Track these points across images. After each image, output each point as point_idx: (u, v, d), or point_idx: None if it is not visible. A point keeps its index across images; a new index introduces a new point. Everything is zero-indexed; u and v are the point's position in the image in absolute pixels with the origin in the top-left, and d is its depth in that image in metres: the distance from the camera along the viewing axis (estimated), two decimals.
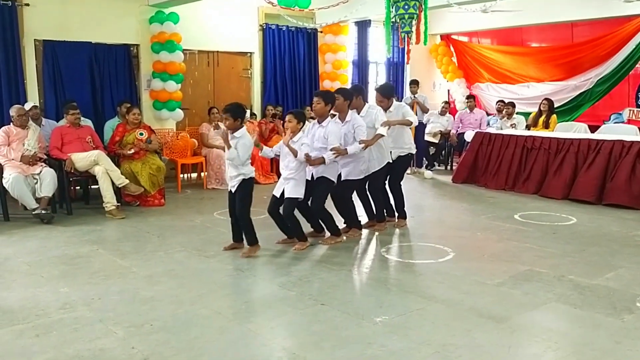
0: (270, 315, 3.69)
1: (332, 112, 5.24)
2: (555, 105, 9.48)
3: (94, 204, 6.87)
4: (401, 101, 7.75)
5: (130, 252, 5.02)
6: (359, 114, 5.44)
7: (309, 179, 5.12)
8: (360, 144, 5.13)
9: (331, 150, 4.98)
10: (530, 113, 9.63)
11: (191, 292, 4.04)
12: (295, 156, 4.85)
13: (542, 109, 9.12)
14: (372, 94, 5.91)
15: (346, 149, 5.09)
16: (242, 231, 4.89)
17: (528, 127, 9.24)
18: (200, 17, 8.85)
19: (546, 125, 8.98)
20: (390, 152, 5.74)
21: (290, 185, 4.94)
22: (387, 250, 5.14)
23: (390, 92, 5.91)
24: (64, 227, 5.92)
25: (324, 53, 10.42)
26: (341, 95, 5.25)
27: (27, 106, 7.06)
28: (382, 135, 5.36)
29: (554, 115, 9.12)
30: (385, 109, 5.73)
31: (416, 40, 6.38)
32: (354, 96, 5.41)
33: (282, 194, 5.00)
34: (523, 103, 10.64)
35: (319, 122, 5.17)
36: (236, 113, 4.73)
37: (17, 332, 3.35)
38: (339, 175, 5.32)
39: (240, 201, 4.77)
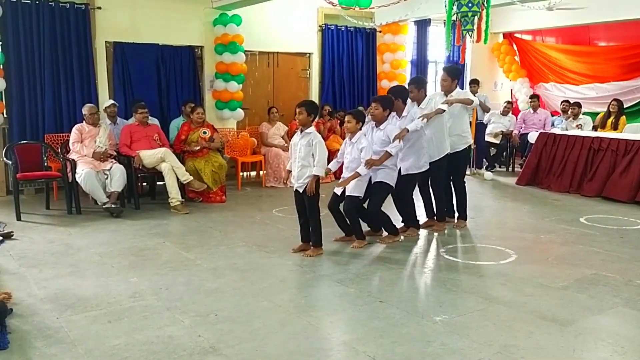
0: (329, 310, 3.74)
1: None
2: (625, 106, 9.10)
3: (160, 200, 7.14)
4: None
5: (195, 246, 5.20)
6: (419, 105, 5.49)
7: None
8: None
9: (365, 163, 4.90)
10: (597, 113, 9.28)
11: (253, 285, 4.15)
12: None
13: (611, 109, 8.78)
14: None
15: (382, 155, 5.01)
16: (311, 230, 4.92)
17: (595, 128, 8.92)
18: (262, 18, 9.01)
19: (615, 127, 8.65)
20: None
21: (352, 184, 4.98)
22: (446, 250, 5.10)
23: (456, 73, 5.84)
24: (132, 220, 6.18)
25: (383, 53, 10.39)
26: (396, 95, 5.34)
27: (107, 103, 7.42)
28: (444, 110, 5.36)
29: (623, 117, 8.76)
30: (447, 91, 5.69)
31: (477, 39, 6.29)
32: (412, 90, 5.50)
33: (343, 191, 5.05)
34: (590, 103, 10.27)
35: (377, 126, 5.20)
36: (310, 109, 4.82)
37: (91, 318, 3.54)
38: (399, 171, 5.32)
39: (310, 201, 4.82)
